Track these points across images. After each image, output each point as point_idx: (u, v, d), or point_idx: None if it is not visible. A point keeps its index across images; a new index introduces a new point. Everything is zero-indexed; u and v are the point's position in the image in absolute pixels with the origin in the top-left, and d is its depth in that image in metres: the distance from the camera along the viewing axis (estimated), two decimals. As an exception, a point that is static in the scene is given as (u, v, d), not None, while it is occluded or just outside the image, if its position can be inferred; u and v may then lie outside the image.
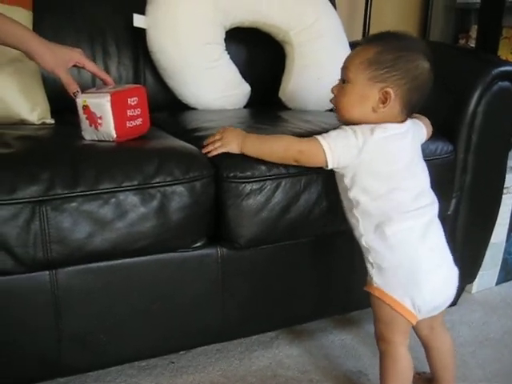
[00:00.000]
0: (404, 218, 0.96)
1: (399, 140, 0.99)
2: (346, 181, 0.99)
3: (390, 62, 0.95)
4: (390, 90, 0.96)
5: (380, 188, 0.97)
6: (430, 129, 1.15)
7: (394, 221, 0.96)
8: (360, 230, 0.99)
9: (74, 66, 1.11)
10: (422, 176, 1.02)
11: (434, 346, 1.09)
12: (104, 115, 0.99)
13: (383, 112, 0.97)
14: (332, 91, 1.03)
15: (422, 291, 0.96)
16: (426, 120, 1.15)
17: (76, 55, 1.10)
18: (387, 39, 0.99)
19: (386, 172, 0.98)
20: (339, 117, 1.03)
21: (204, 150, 1.04)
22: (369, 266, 1.00)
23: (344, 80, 1.00)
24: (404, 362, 1.01)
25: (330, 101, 1.04)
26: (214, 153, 1.03)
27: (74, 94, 1.06)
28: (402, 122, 1.01)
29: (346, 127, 0.99)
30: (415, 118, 1.11)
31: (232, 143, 1.02)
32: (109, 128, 1.00)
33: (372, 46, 0.97)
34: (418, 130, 1.07)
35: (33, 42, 1.04)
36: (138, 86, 1.13)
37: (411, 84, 0.96)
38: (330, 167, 0.98)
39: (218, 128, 1.16)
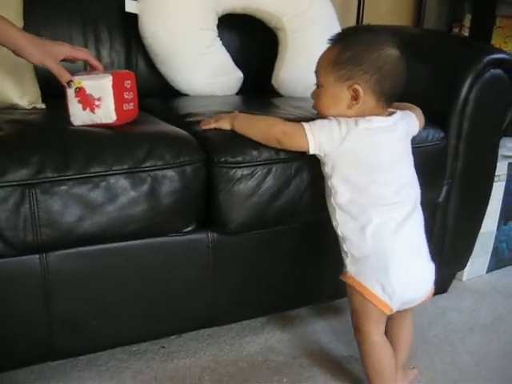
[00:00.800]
0: (381, 212, 0.97)
1: (385, 133, 0.99)
2: (327, 169, 1.00)
3: (351, 59, 0.97)
4: (357, 86, 0.97)
5: (359, 179, 0.98)
6: (423, 119, 1.15)
7: (370, 213, 0.97)
8: (336, 219, 1.00)
9: (64, 60, 1.08)
10: (406, 171, 1.02)
11: (390, 325, 1.07)
12: (104, 96, 0.98)
13: (359, 108, 0.99)
14: (312, 97, 1.05)
15: (392, 283, 0.97)
16: (419, 110, 1.15)
17: (65, 49, 1.07)
18: (347, 37, 1.01)
19: (367, 164, 0.98)
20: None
21: (201, 125, 1.08)
22: (343, 254, 1.02)
23: (318, 85, 1.03)
24: (381, 350, 1.02)
25: (312, 107, 1.06)
26: (207, 126, 1.06)
27: (68, 83, 1.02)
28: (389, 114, 1.01)
29: (333, 118, 1.00)
30: (407, 108, 1.11)
31: (225, 120, 1.06)
32: (108, 109, 0.99)
33: (334, 47, 1.00)
34: (409, 122, 1.07)
35: (19, 39, 1.02)
36: (127, 70, 1.12)
37: (378, 75, 0.97)
38: (311, 152, 0.99)
39: (210, 113, 1.17)
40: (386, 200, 0.97)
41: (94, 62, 1.12)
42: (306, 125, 0.99)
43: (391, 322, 1.08)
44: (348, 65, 0.97)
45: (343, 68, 0.97)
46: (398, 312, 1.05)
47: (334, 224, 1.01)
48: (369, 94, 0.98)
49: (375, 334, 1.01)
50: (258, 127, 1.04)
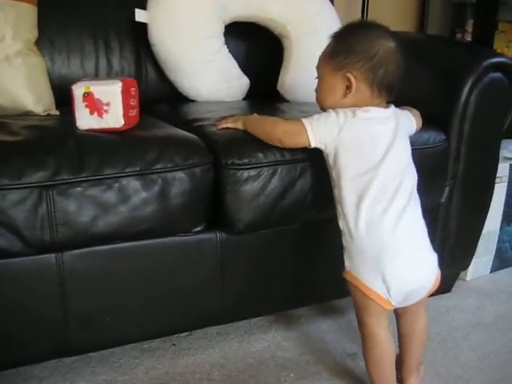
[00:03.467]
0: (378, 201, 0.97)
1: (382, 124, 1.02)
2: (330, 161, 1.03)
3: (345, 49, 1.02)
4: (349, 74, 1.01)
5: (357, 169, 0.99)
6: (420, 121, 1.19)
7: (368, 203, 0.97)
8: (338, 211, 1.02)
9: None
10: (402, 161, 1.03)
11: (404, 325, 1.09)
12: (113, 102, 1.02)
13: (353, 96, 1.03)
14: (315, 91, 1.11)
15: (388, 275, 0.96)
16: (417, 112, 1.18)
17: None
18: (344, 31, 1.07)
19: (364, 153, 1.00)
20: (320, 109, 1.10)
21: (216, 124, 1.16)
22: (343, 249, 1.03)
23: (318, 78, 1.09)
24: (383, 345, 1.03)
25: (316, 100, 1.11)
26: (223, 126, 1.14)
27: None
28: (386, 107, 1.05)
29: (331, 110, 1.03)
30: (405, 109, 1.15)
31: (238, 121, 1.13)
32: (117, 115, 1.03)
33: (332, 41, 1.06)
34: (406, 118, 1.11)
35: None
36: (131, 78, 1.15)
37: (370, 63, 1.01)
38: (312, 146, 1.03)
39: (218, 118, 1.21)
40: (382, 190, 0.97)
41: None
42: (304, 120, 1.03)
43: (402, 322, 1.10)
44: (342, 54, 1.02)
45: (337, 58, 1.03)
46: (407, 311, 1.07)
47: (337, 217, 1.03)
48: (361, 82, 1.02)
49: (376, 325, 1.01)
50: (263, 128, 1.10)
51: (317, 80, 1.10)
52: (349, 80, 1.02)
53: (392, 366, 1.06)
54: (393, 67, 1.02)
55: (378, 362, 1.04)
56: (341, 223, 1.02)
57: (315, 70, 1.09)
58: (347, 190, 1.00)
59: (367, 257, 0.98)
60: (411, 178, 1.03)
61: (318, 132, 1.02)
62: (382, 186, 0.98)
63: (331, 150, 1.02)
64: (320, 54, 1.08)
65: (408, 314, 1.09)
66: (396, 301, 1.00)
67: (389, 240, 0.97)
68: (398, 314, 1.10)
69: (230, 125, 1.14)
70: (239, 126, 1.12)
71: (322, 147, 1.03)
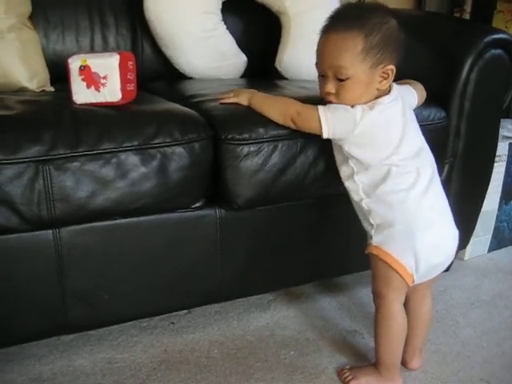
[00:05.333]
0: (404, 179, 0.98)
1: (392, 107, 1.01)
2: (346, 151, 1.01)
3: (381, 42, 0.96)
4: (393, 67, 0.99)
5: (379, 155, 0.99)
6: (424, 93, 1.18)
7: (394, 181, 0.98)
8: (360, 194, 1.02)
9: None
10: (417, 137, 1.04)
11: (410, 307, 1.10)
12: (110, 75, 1.00)
13: (384, 85, 1.00)
14: (327, 93, 1.00)
15: (419, 248, 0.98)
16: (419, 85, 1.17)
17: None
18: (357, 20, 0.96)
19: (383, 140, 1.00)
20: None
21: (219, 99, 1.12)
22: (368, 227, 1.03)
23: (340, 79, 0.97)
24: (398, 318, 1.04)
25: (326, 100, 1.01)
26: (226, 101, 1.11)
27: None
28: (389, 90, 1.02)
29: (348, 106, 0.99)
30: (408, 83, 1.14)
31: (243, 96, 1.09)
32: (114, 88, 1.01)
33: (353, 35, 0.95)
34: (407, 95, 1.09)
35: None
36: (129, 52, 1.13)
37: (398, 51, 0.99)
38: (324, 137, 1.01)
39: (215, 94, 1.19)
40: (406, 167, 0.98)
41: None
42: (320, 109, 0.99)
43: (410, 304, 1.09)
44: (376, 50, 0.96)
45: (377, 53, 0.96)
46: (416, 292, 1.08)
47: (357, 199, 1.02)
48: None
49: (394, 300, 1.02)
50: (275, 107, 1.06)
51: (329, 84, 0.99)
52: (388, 72, 0.98)
53: (401, 343, 1.06)
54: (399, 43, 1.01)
55: (391, 335, 1.04)
56: (367, 202, 1.01)
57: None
58: (371, 174, 1.00)
59: (399, 230, 0.99)
60: (429, 152, 1.04)
61: (332, 124, 0.99)
62: (405, 164, 0.98)
63: (345, 144, 1.00)
64: (338, 51, 0.96)
65: (415, 296, 1.09)
66: (419, 275, 1.01)
67: (418, 212, 0.99)
68: (406, 296, 1.09)
69: (233, 100, 1.10)
70: (243, 101, 1.09)
71: (336, 140, 1.01)
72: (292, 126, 1.05)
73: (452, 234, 1.04)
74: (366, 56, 0.96)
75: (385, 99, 1.00)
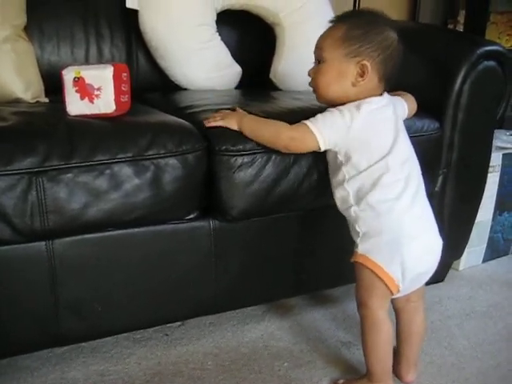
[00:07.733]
0: (392, 188, 0.99)
1: (383, 112, 1.02)
2: (340, 158, 1.01)
3: (361, 36, 0.99)
4: (367, 63, 0.99)
5: (371, 159, 0.99)
6: (415, 105, 1.18)
7: (382, 191, 0.98)
8: (350, 201, 1.02)
9: None
10: (406, 146, 1.04)
11: (404, 319, 1.10)
12: (104, 86, 1.00)
13: (362, 85, 1.01)
14: (309, 74, 1.06)
15: (405, 258, 0.98)
16: (410, 96, 1.18)
17: None
18: (353, 17, 1.05)
19: (377, 143, 1.00)
20: (319, 97, 1.07)
21: (205, 122, 1.08)
22: (355, 235, 1.03)
23: (319, 61, 1.03)
24: (383, 326, 1.03)
25: (309, 84, 1.07)
26: (213, 124, 1.06)
27: None
28: (381, 94, 1.04)
29: (332, 109, 1.02)
30: (399, 95, 1.14)
31: (232, 119, 1.06)
32: (108, 99, 1.01)
33: (341, 25, 1.02)
34: (398, 105, 1.10)
35: None
36: (123, 63, 1.13)
37: (384, 54, 1.00)
38: (322, 149, 1.01)
39: (210, 105, 1.20)
40: (396, 175, 0.99)
41: None
42: (310, 125, 1.00)
43: (403, 316, 1.10)
44: (358, 41, 0.99)
45: (353, 44, 0.99)
46: (408, 304, 1.08)
47: (345, 207, 1.03)
48: (374, 72, 1.00)
49: (379, 308, 1.01)
50: (265, 132, 1.04)
51: (313, 64, 1.06)
52: (364, 68, 0.99)
53: (390, 350, 1.05)
54: (398, 61, 1.02)
55: (378, 345, 1.04)
56: (355, 210, 1.01)
57: (311, 54, 1.05)
58: (362, 181, 1.00)
59: (386, 239, 0.99)
60: (416, 162, 1.05)
61: (326, 134, 0.99)
62: (394, 171, 0.99)
63: (341, 149, 1.01)
64: (323, 36, 1.03)
65: (408, 308, 1.09)
66: (404, 285, 1.00)
67: (405, 223, 0.99)
68: (399, 308, 1.10)
69: (220, 123, 1.06)
70: (232, 125, 1.05)
71: (332, 148, 1.02)
72: (283, 151, 1.05)
73: (437, 243, 1.04)
74: (342, 43, 1.00)
75: (374, 99, 1.01)
